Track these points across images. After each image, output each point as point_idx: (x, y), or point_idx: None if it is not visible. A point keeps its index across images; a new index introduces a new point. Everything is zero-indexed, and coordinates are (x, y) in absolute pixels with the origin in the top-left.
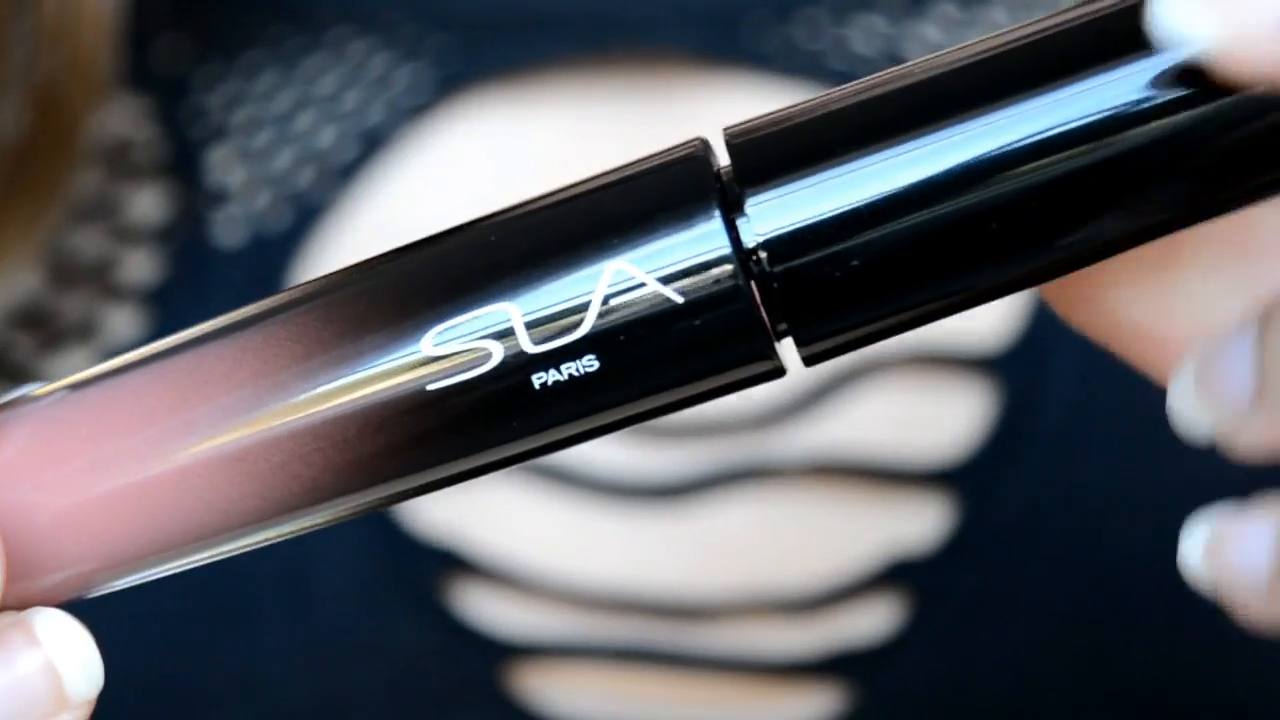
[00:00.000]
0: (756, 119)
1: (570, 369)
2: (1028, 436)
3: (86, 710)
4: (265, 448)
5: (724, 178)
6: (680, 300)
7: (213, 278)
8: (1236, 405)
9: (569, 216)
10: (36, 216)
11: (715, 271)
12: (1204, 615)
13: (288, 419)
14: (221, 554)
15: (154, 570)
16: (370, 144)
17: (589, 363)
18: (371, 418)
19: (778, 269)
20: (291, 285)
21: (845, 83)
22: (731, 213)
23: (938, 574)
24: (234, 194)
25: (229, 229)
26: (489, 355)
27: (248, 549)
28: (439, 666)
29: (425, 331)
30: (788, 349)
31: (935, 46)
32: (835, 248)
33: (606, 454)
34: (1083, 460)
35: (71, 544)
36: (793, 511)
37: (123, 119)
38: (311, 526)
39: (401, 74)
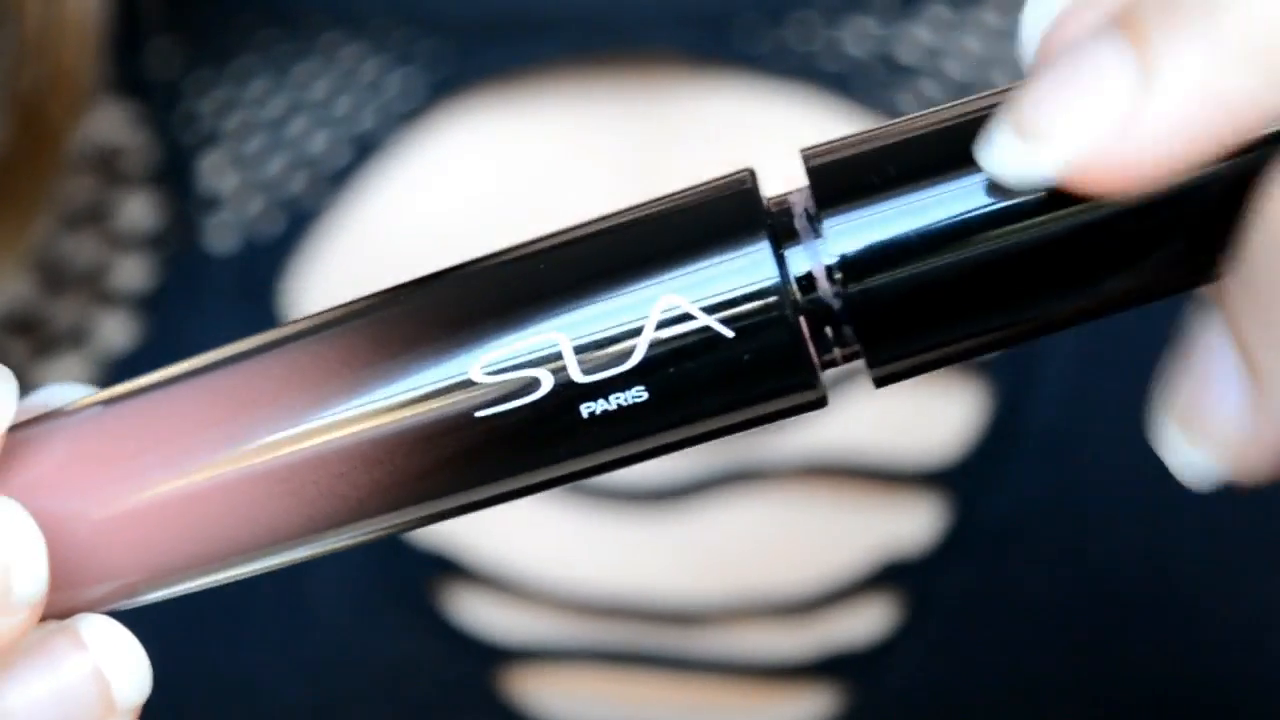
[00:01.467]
0: (832, 141)
1: (619, 399)
2: (1020, 437)
3: (133, 717)
4: (310, 466)
5: (773, 209)
6: (730, 333)
7: (205, 284)
8: (1236, 425)
9: (620, 246)
10: (20, 224)
11: (764, 303)
12: (1197, 614)
13: (334, 438)
14: (264, 568)
15: (196, 582)
16: (363, 149)
17: (638, 394)
18: (417, 441)
19: (853, 289)
20: (339, 303)
21: (840, 85)
22: (780, 244)
23: (931, 574)
24: (226, 200)
25: (221, 235)
26: (538, 383)
27: (289, 564)
28: (433, 671)
29: (475, 357)
30: (828, 379)
31: (927, 48)
32: (910, 269)
33: None
34: (1074, 460)
35: (114, 555)
36: (786, 513)
37: (114, 125)
38: (354, 543)
39: (393, 79)
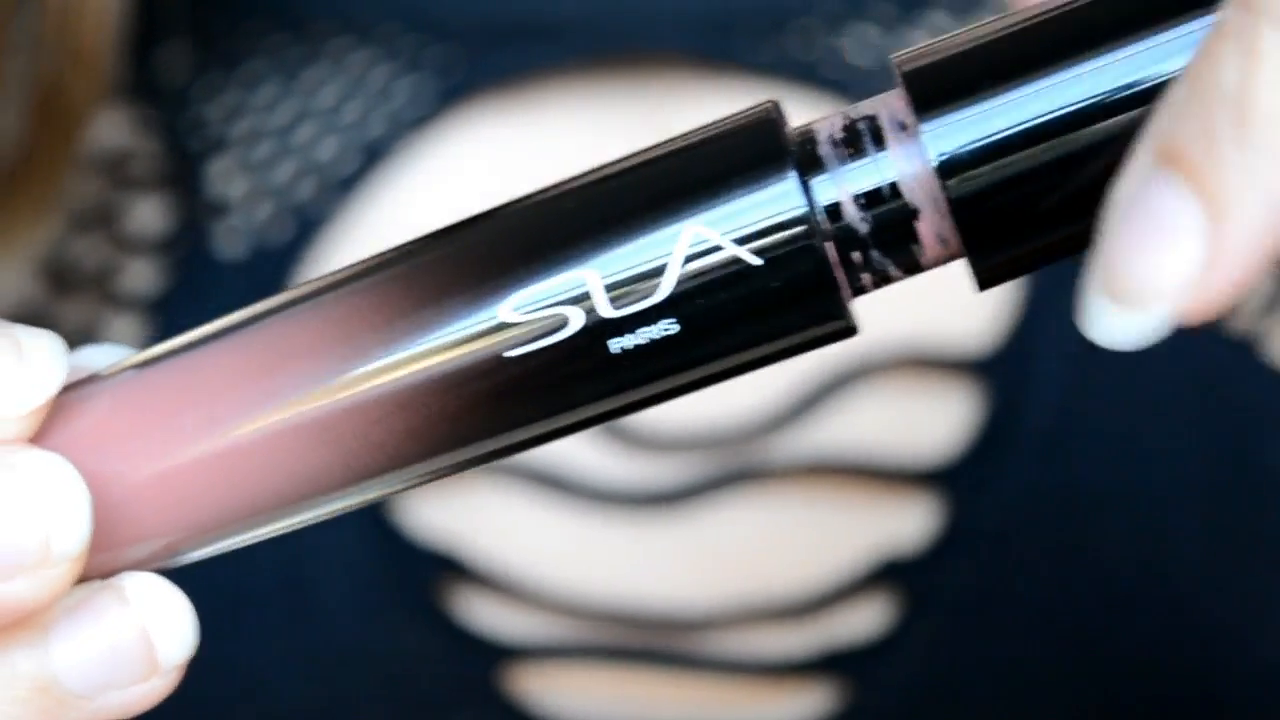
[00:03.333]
0: (919, 46)
1: (648, 333)
2: (1015, 437)
3: (177, 676)
4: (346, 415)
5: (797, 138)
6: (758, 262)
7: (214, 289)
8: (1183, 272)
9: (645, 182)
10: (33, 221)
11: (791, 232)
12: (1191, 611)
13: (368, 386)
14: (304, 521)
15: (238, 539)
16: (371, 156)
17: (668, 326)
18: (451, 384)
19: (953, 185)
20: (366, 256)
21: (841, 92)
22: (806, 172)
23: (929, 573)
24: (235, 206)
25: (230, 240)
26: (567, 321)
27: (330, 515)
28: (436, 669)
29: (504, 298)
30: (857, 308)
31: None
32: (1009, 166)
33: (603, 463)
34: (1070, 460)
35: (154, 514)
36: (785, 514)
37: (123, 129)
38: (394, 491)
39: (402, 86)
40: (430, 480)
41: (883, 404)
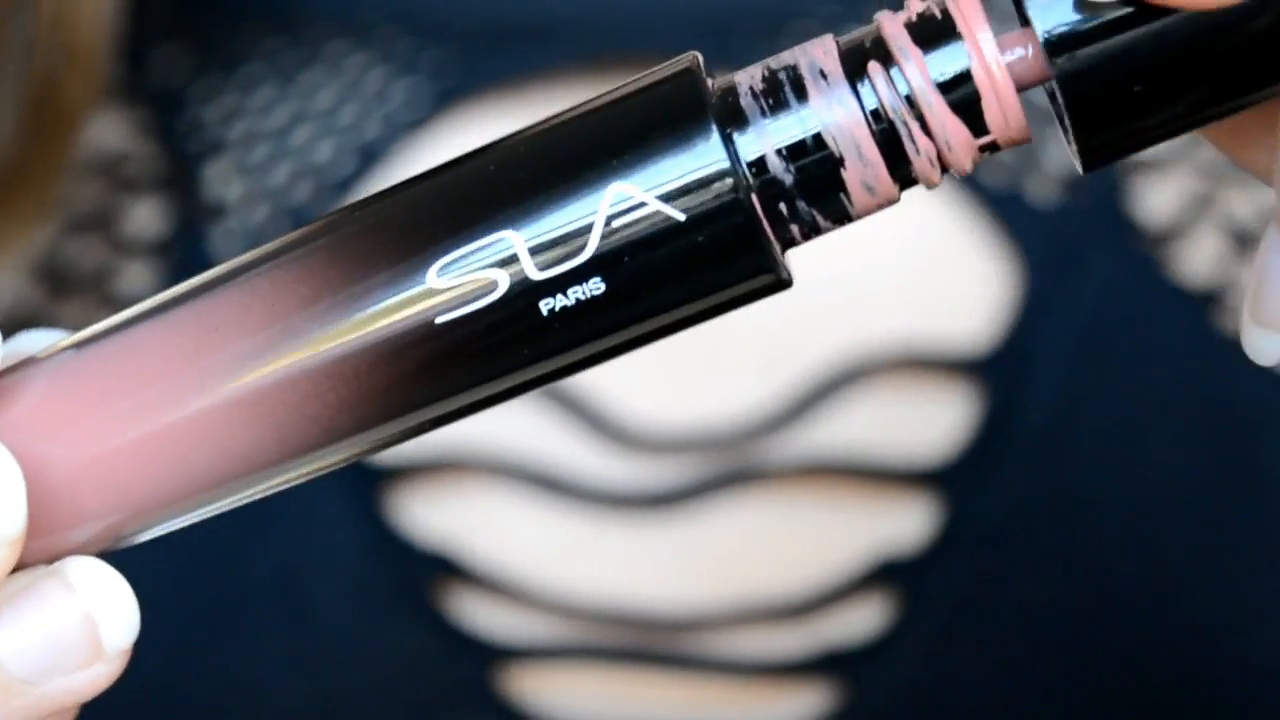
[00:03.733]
0: None
1: (577, 293)
2: (1012, 437)
3: (122, 662)
4: (279, 389)
5: (719, 91)
6: (682, 217)
7: None
8: None
9: (567, 141)
10: (30, 223)
11: (714, 187)
12: (1187, 612)
13: (299, 359)
14: (245, 498)
15: (179, 518)
16: (367, 158)
17: (595, 285)
18: (382, 353)
19: (1061, 62)
20: (297, 229)
21: None
22: (728, 126)
23: (924, 573)
24: (232, 208)
25: (227, 243)
26: (495, 285)
27: (270, 491)
28: (433, 670)
29: (430, 265)
30: (793, 260)
31: None
32: (1116, 45)
33: (599, 463)
34: (1066, 461)
35: (94, 497)
36: (781, 515)
37: (120, 132)
38: (331, 465)
39: (398, 88)
40: (370, 453)
41: (879, 404)
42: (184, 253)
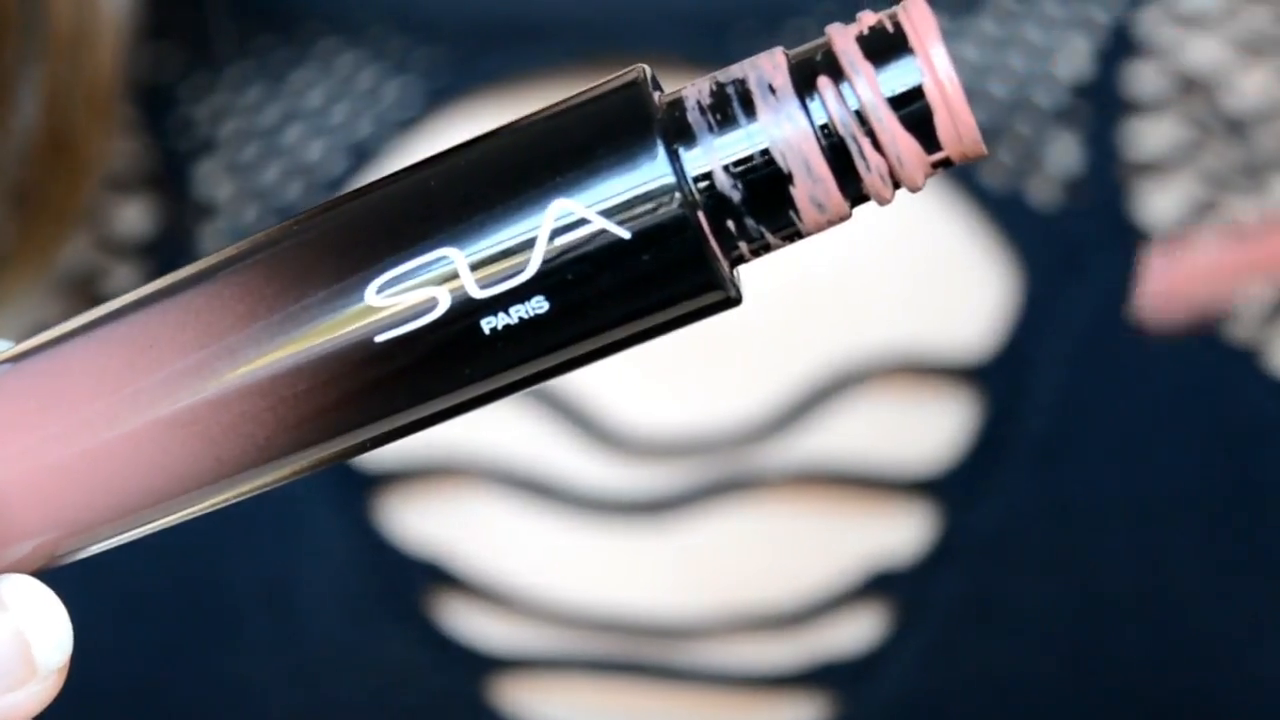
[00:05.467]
0: None
1: (519, 311)
2: (1009, 446)
3: (56, 680)
4: (215, 408)
5: (665, 105)
6: (627, 234)
7: None
8: None
9: (509, 155)
10: (54, 239)
11: (659, 203)
12: (1185, 622)
13: (236, 378)
14: (181, 516)
15: (115, 537)
16: (359, 157)
17: (538, 304)
18: (320, 372)
19: None
20: (235, 242)
21: None
22: (674, 141)
23: (920, 583)
24: (222, 208)
25: (217, 243)
26: (435, 302)
27: (209, 510)
28: (423, 679)
29: (369, 282)
30: (743, 279)
31: None
32: None
33: (591, 470)
34: (1064, 470)
35: (27, 514)
36: (776, 523)
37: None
38: (269, 484)
39: (390, 87)
40: (308, 471)
41: (875, 412)
42: (173, 253)
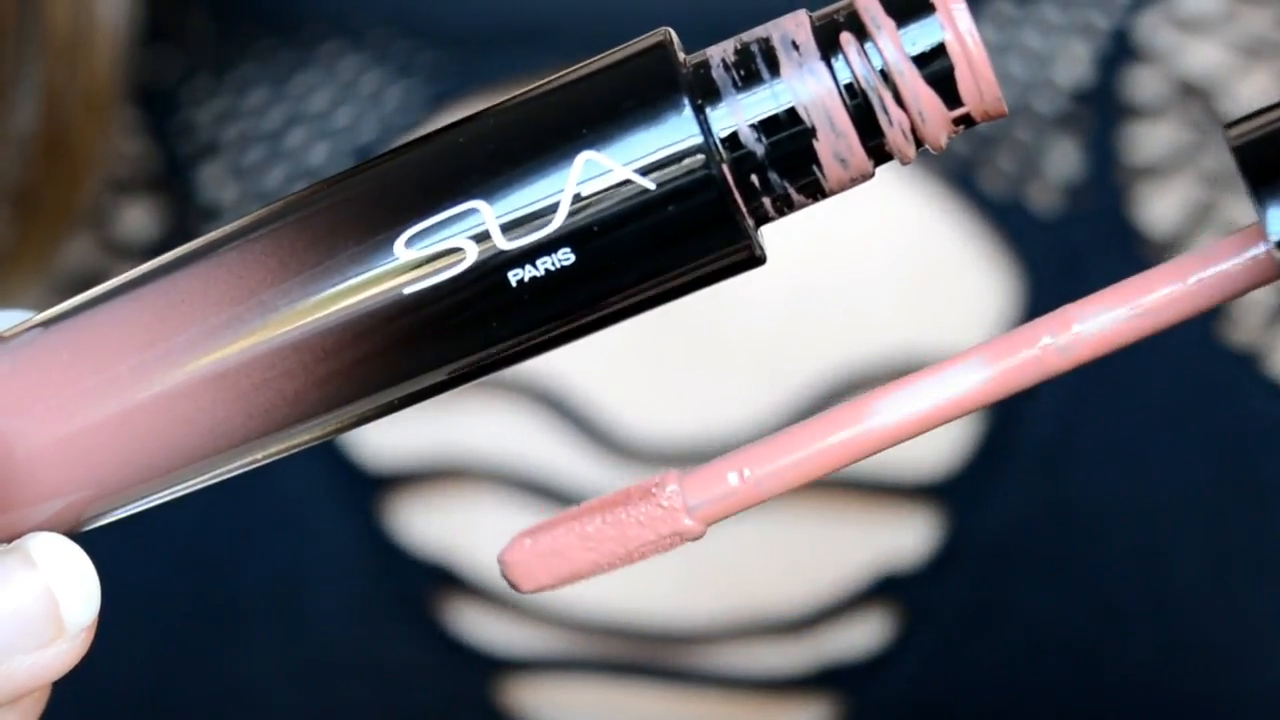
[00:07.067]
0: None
1: (546, 263)
2: (1014, 451)
3: (85, 639)
4: (247, 365)
5: (691, 64)
6: (653, 187)
7: None
8: None
9: (538, 112)
10: (52, 240)
11: (685, 158)
12: (1190, 627)
13: (267, 335)
14: (213, 477)
15: (146, 498)
16: (362, 160)
17: (564, 256)
18: (350, 327)
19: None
20: (267, 204)
21: None
22: (700, 98)
23: (926, 588)
24: (226, 211)
25: None
26: (463, 255)
27: (239, 470)
28: (431, 681)
29: (398, 236)
30: (767, 237)
31: None
32: None
33: (599, 474)
34: (1069, 474)
35: (60, 475)
36: (782, 528)
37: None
38: (300, 444)
39: (393, 91)
40: (335, 434)
41: None
42: None
